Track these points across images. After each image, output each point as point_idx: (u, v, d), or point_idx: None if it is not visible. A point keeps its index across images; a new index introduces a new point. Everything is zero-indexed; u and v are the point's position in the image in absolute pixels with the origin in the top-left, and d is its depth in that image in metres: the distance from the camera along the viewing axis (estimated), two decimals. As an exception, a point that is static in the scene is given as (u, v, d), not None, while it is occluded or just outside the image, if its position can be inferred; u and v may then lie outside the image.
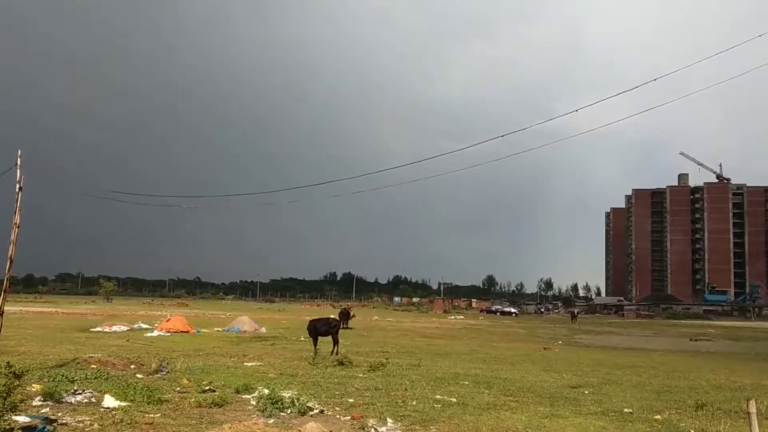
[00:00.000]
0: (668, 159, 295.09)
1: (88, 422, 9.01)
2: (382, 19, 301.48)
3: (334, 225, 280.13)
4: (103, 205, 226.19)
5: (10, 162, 15.61)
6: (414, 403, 11.36)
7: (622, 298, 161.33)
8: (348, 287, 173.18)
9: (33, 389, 10.92)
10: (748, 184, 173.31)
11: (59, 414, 9.43)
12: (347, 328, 35.18)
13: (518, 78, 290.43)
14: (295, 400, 10.46)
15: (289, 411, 10.14)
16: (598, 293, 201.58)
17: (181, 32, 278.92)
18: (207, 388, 12.17)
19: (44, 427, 8.37)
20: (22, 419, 8.45)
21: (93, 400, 10.58)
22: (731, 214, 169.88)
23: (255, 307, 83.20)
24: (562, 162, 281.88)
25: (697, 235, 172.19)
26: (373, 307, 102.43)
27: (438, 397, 12.13)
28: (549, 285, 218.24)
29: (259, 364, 16.97)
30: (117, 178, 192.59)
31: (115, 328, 29.59)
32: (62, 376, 12.62)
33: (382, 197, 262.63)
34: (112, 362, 15.40)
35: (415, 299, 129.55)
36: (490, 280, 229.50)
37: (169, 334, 27.80)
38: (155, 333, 27.85)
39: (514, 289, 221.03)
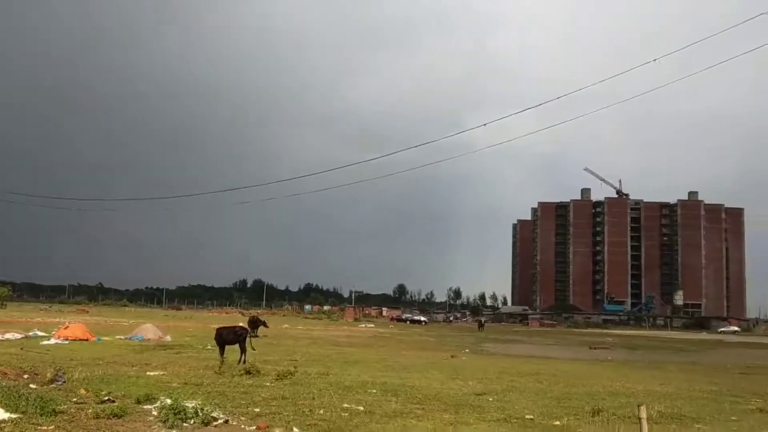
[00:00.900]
0: (573, 173, 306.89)
1: (-26, 436, 8.51)
2: (295, 26, 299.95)
3: (245, 232, 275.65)
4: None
5: None
6: (321, 411, 11.33)
7: (527, 308, 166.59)
8: (258, 295, 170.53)
9: None
10: (645, 200, 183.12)
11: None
12: (256, 336, 34.66)
13: (429, 90, 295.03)
14: (199, 410, 10.21)
15: (192, 421, 9.89)
16: (505, 302, 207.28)
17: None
18: (106, 398, 11.71)
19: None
20: None
21: (-20, 412, 9.97)
22: (629, 228, 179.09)
23: (160, 314, 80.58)
24: (473, 174, 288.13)
25: (598, 248, 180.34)
26: (284, 315, 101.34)
27: (346, 405, 12.13)
28: (458, 294, 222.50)
29: (162, 373, 16.48)
30: (24, 177, 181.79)
31: (8, 335, 27.87)
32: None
33: (294, 205, 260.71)
34: (3, 372, 14.57)
35: (326, 307, 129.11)
36: (401, 289, 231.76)
37: (67, 342, 26.54)
38: (52, 341, 26.51)
39: (425, 297, 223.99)
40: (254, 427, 9.86)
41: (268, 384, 14.89)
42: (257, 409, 11.34)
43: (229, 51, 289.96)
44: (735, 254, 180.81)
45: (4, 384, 12.88)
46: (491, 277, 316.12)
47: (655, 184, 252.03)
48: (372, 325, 73.67)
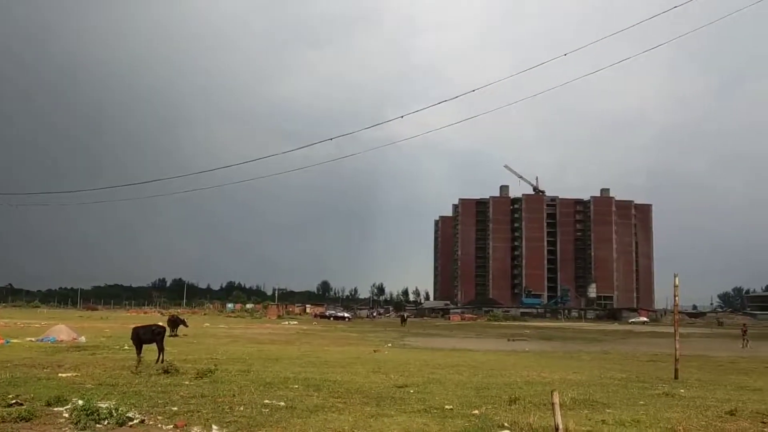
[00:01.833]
0: (493, 171, 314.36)
1: None
2: (228, 21, 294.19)
3: (164, 229, 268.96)
4: None
5: None
6: (241, 408, 11.17)
7: (448, 302, 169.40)
8: (179, 294, 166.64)
9: None
10: (560, 196, 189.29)
11: None
12: (176, 335, 33.89)
13: (353, 85, 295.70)
14: (113, 411, 9.89)
15: (106, 422, 9.57)
16: (427, 297, 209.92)
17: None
18: (13, 401, 11.17)
19: None
20: None
21: None
22: (545, 224, 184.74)
23: (75, 315, 77.60)
24: (396, 170, 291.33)
25: (516, 243, 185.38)
26: (205, 314, 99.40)
27: (266, 401, 12.01)
28: (381, 290, 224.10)
29: (75, 374, 15.88)
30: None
31: None
32: None
33: (215, 201, 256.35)
34: None
35: (249, 305, 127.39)
36: (325, 286, 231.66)
37: (-30, 346, 25.21)
38: (-46, 345, 25.14)
39: (348, 294, 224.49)
40: (172, 426, 9.63)
41: (187, 383, 14.57)
42: (175, 408, 11.08)
43: (155, 43, 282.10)
44: (644, 248, 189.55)
45: None
46: (414, 272, 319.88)
47: (571, 182, 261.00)
48: (295, 323, 73.18)
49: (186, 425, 9.62)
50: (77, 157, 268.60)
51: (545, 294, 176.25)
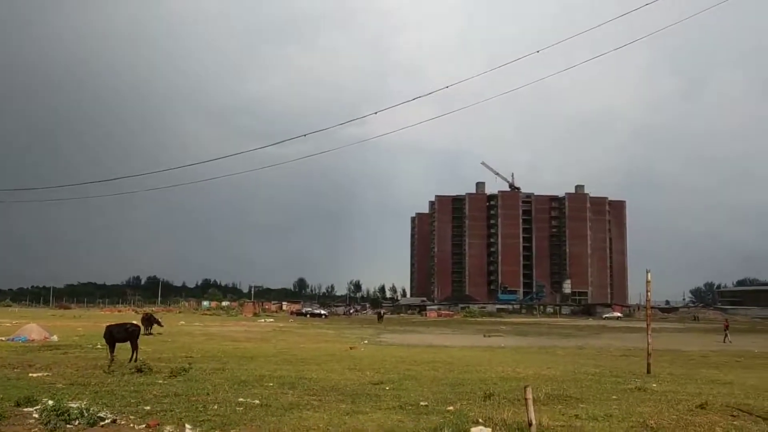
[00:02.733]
0: (470, 168, 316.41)
1: None
2: (201, 16, 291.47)
3: (139, 227, 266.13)
4: None
5: None
6: (215, 407, 11.10)
7: (425, 299, 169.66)
8: (153, 292, 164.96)
9: None
10: (536, 193, 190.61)
11: None
12: (150, 334, 33.54)
13: (331, 84, 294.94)
14: (84, 411, 9.76)
15: (77, 422, 9.44)
16: (404, 294, 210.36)
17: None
18: (-20, 402, 10.99)
19: None
20: None
21: None
22: (521, 221, 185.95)
23: (47, 314, 76.40)
24: (373, 168, 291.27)
25: (492, 239, 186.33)
26: (180, 312, 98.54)
27: (241, 400, 11.95)
28: (358, 287, 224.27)
29: (46, 374, 15.65)
30: None
31: None
32: None
33: (191, 198, 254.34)
34: None
35: (224, 303, 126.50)
36: (301, 283, 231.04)
37: (-63, 346, 24.72)
38: None
39: (325, 291, 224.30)
40: (144, 426, 9.53)
41: (160, 381, 14.44)
42: (148, 407, 10.97)
43: (130, 36, 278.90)
44: (618, 245, 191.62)
45: None
46: (391, 269, 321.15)
47: (547, 180, 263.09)
48: (271, 320, 72.89)
49: (159, 425, 9.53)
50: (53, 156, 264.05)
51: (521, 290, 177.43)
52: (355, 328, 56.63)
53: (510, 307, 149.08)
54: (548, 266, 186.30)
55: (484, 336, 44.13)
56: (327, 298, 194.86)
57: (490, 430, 9.40)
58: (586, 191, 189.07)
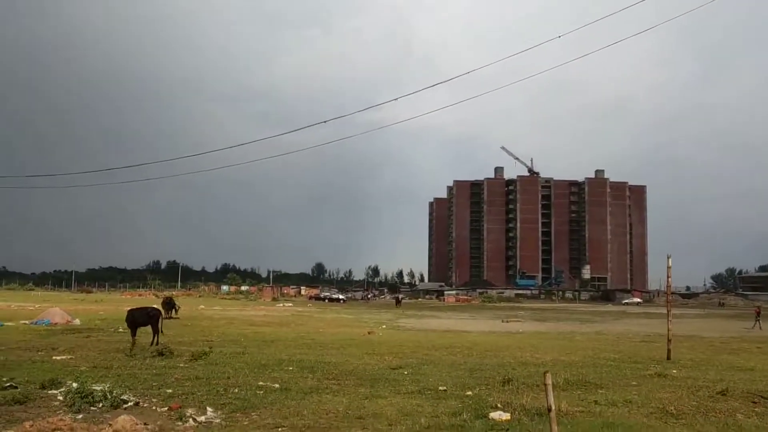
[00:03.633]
0: (488, 153, 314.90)
1: None
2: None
3: (159, 212, 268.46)
4: None
5: None
6: (236, 390, 11.22)
7: (443, 284, 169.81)
8: (173, 276, 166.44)
9: None
10: (555, 178, 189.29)
11: None
12: (170, 317, 33.88)
13: (350, 69, 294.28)
14: (108, 394, 9.91)
15: (100, 405, 9.59)
16: (422, 279, 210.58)
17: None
18: (8, 384, 11.18)
19: None
20: None
21: None
22: (540, 206, 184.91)
23: (69, 298, 77.38)
24: (391, 153, 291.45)
25: (511, 224, 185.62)
26: (200, 296, 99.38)
27: (261, 383, 12.07)
28: (376, 272, 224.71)
29: (70, 357, 15.90)
30: None
31: None
32: None
33: (211, 184, 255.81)
34: None
35: (243, 287, 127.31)
36: (320, 268, 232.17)
37: (-36, 329, 25.15)
38: (-53, 328, 25.08)
39: (343, 276, 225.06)
40: (166, 408, 9.66)
41: (181, 365, 14.61)
42: (169, 390, 11.12)
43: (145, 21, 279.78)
44: (638, 229, 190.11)
45: None
46: (408, 254, 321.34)
47: (566, 165, 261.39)
48: (290, 305, 73.30)
49: (180, 407, 9.65)
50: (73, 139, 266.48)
51: (539, 275, 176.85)
52: (373, 312, 56.81)
53: (528, 292, 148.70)
54: (567, 251, 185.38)
55: (503, 321, 44.07)
56: (345, 283, 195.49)
57: (509, 415, 9.41)
58: (605, 176, 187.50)
